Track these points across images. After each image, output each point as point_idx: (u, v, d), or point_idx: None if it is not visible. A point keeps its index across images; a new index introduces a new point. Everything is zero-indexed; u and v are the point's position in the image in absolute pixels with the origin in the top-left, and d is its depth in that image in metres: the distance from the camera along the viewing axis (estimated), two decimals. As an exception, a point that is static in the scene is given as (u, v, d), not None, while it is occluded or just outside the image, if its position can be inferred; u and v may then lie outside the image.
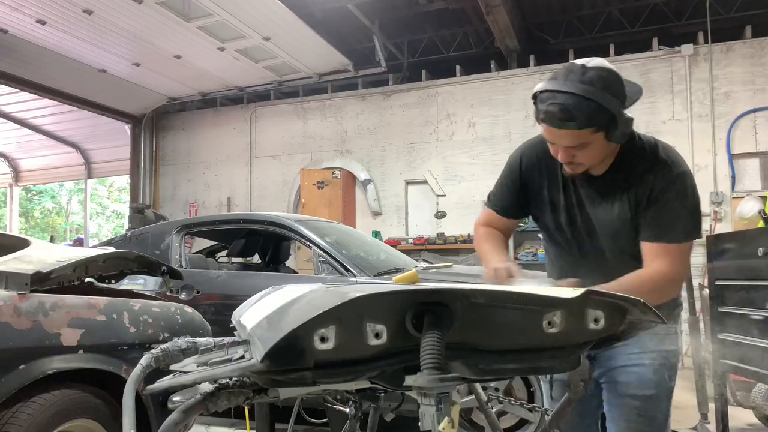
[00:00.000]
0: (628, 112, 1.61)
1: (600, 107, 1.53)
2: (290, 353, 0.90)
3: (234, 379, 1.08)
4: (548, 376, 2.03)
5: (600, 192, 1.75)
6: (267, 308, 1.05)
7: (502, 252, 1.88)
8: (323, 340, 0.89)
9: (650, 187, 1.66)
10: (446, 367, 0.93)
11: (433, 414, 0.88)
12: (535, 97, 1.63)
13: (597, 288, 1.48)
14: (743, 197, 7.06)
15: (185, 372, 1.13)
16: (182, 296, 4.13)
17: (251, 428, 2.86)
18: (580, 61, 1.60)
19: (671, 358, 1.77)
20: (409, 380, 0.89)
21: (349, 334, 0.91)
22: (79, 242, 12.36)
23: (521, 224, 7.88)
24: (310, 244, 4.21)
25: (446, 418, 0.85)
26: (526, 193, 1.88)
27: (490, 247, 1.89)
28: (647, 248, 1.67)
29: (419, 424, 0.90)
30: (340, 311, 0.88)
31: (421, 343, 0.90)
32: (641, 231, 1.69)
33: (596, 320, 1.05)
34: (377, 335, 0.92)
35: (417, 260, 5.60)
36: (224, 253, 5.53)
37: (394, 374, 0.98)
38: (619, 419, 1.76)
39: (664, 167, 1.67)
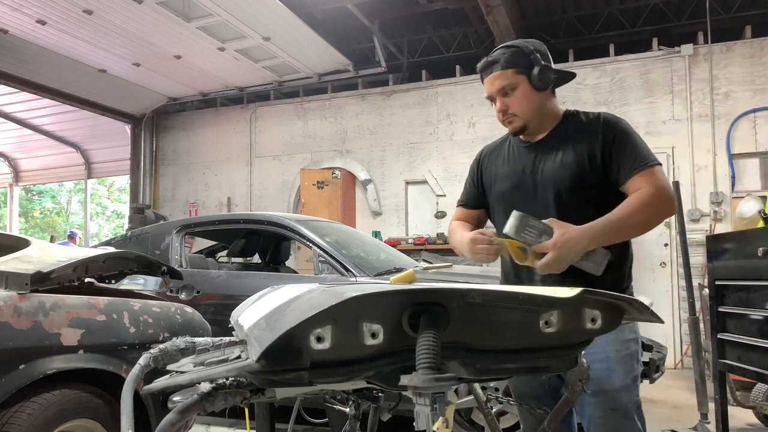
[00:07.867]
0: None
1: (519, 50, 1.90)
2: (286, 353, 0.90)
3: (231, 379, 1.08)
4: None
5: (543, 151, 1.92)
6: (264, 308, 1.05)
7: (468, 228, 2.02)
8: (319, 340, 0.89)
9: (602, 134, 1.84)
10: (443, 367, 0.92)
11: (427, 414, 0.88)
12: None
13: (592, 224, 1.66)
14: (743, 197, 7.05)
15: (182, 372, 1.13)
16: (182, 296, 4.13)
17: (251, 428, 2.86)
18: None
19: (633, 346, 1.83)
20: (404, 380, 0.88)
21: (346, 334, 0.91)
22: (72, 237, 12.29)
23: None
24: (310, 244, 4.21)
25: (441, 419, 0.85)
26: (483, 182, 2.09)
27: (459, 233, 2.02)
28: (631, 186, 1.77)
29: (414, 424, 0.90)
30: (336, 311, 0.87)
31: (417, 343, 0.90)
32: (618, 175, 1.80)
33: (593, 320, 1.05)
34: (374, 335, 0.92)
35: (417, 260, 5.60)
36: (224, 253, 5.54)
37: (391, 374, 0.98)
38: (595, 416, 1.77)
39: (606, 119, 1.89)
